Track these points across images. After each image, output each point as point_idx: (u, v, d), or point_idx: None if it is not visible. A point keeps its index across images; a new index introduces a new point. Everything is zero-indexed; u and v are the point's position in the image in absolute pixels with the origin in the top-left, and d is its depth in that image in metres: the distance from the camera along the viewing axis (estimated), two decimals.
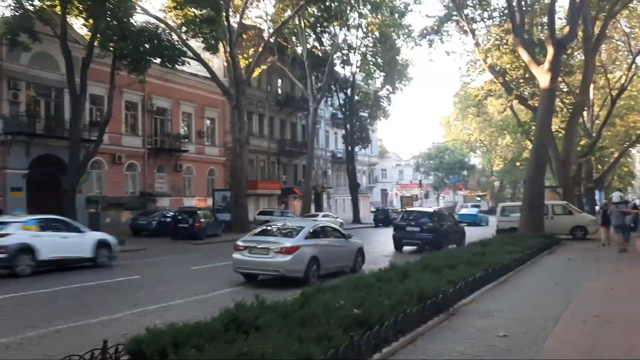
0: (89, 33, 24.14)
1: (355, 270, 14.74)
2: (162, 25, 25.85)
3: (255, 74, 39.71)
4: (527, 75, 30.60)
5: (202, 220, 27.62)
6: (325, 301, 7.30)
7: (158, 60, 24.52)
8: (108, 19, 22.94)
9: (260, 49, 33.33)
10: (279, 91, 48.77)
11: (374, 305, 7.12)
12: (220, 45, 32.95)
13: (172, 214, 28.93)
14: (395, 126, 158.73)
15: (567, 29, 24.04)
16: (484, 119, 68.75)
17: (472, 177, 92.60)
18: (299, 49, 42.79)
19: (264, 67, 39.33)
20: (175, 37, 27.03)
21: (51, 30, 23.25)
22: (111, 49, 22.95)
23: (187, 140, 37.31)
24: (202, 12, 25.21)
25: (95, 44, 23.84)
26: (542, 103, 23.87)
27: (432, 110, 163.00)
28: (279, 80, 48.61)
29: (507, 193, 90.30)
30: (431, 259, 12.60)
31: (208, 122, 40.39)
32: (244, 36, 34.50)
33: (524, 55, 24.75)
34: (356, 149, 53.83)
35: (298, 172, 49.46)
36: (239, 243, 13.03)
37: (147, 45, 22.60)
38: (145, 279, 13.96)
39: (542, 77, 23.49)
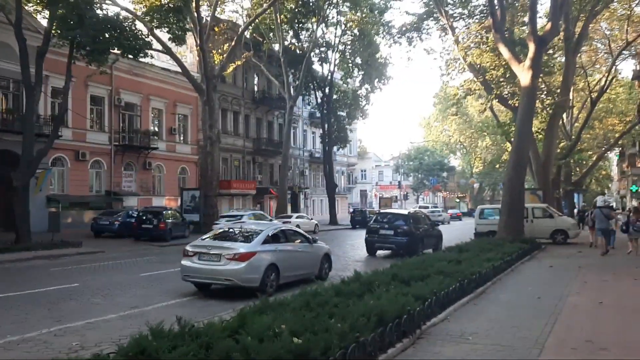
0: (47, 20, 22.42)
1: (321, 278, 13.37)
2: (126, 14, 24.18)
3: (230, 70, 38.38)
4: (507, 75, 29.68)
5: (167, 220, 26.06)
6: (263, 325, 5.92)
7: (119, 51, 22.86)
8: (65, 5, 21.24)
9: (233, 43, 31.72)
10: (255, 88, 47.46)
11: (322, 331, 5.77)
12: (192, 38, 31.45)
13: (136, 214, 27.29)
14: (375, 126, 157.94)
15: (548, 25, 22.97)
16: (464, 120, 68.57)
17: (452, 178, 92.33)
18: (276, 46, 41.42)
19: (238, 63, 37.90)
20: (142, 28, 25.51)
21: (6, 18, 21.62)
22: (68, 37, 21.23)
23: (157, 137, 35.79)
24: (168, 1, 23.61)
25: (53, 32, 22.21)
26: (523, 102, 22.80)
27: (412, 111, 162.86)
28: (256, 77, 47.32)
29: (486, 195, 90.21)
30: (401, 268, 11.29)
31: (180, 118, 38.88)
32: (216, 29, 32.92)
33: (504, 52, 23.65)
34: (334, 149, 52.70)
35: (274, 172, 48.11)
36: (188, 248, 11.58)
37: (106, 35, 20.93)
38: (83, 287, 12.41)
39: (523, 75, 22.43)
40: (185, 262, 11.42)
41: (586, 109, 41.82)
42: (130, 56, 24.67)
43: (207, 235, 12.36)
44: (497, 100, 31.99)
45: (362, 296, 8.29)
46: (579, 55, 34.97)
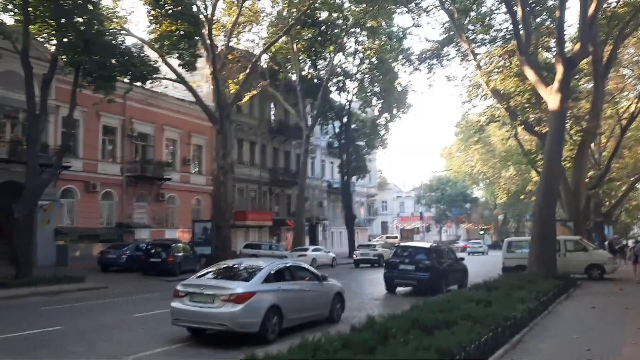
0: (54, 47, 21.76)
1: (333, 320, 11.98)
2: (135, 41, 23.49)
3: (246, 99, 37.63)
4: (533, 100, 28.23)
5: (176, 254, 24.90)
6: None
7: (127, 78, 22.04)
8: (72, 31, 20.56)
9: (247, 71, 31.05)
10: (272, 118, 46.59)
11: None
12: (207, 68, 30.76)
13: (145, 246, 26.12)
14: (395, 156, 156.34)
15: (577, 46, 21.51)
16: (486, 150, 66.76)
17: (475, 210, 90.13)
18: (293, 76, 40.72)
19: (254, 92, 37.11)
20: (152, 54, 24.80)
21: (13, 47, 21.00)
22: (74, 64, 20.47)
23: (170, 168, 34.84)
24: (180, 27, 22.81)
25: (60, 59, 21.53)
26: (552, 127, 21.27)
27: (433, 140, 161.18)
28: (272, 107, 46.48)
29: (511, 227, 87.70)
30: (422, 311, 9.77)
31: (195, 149, 38.02)
32: (230, 57, 32.18)
33: (530, 75, 22.27)
34: (353, 179, 51.48)
35: (291, 203, 46.83)
36: (179, 287, 10.19)
37: (113, 61, 20.09)
38: (66, 331, 11.05)
39: (551, 98, 20.95)
40: (175, 303, 10.03)
41: (615, 137, 40.05)
42: (138, 83, 24.04)
43: (202, 272, 10.97)
44: (522, 127, 30.53)
45: (374, 350, 6.82)
46: (605, 83, 33.45)
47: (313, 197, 51.43)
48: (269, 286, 10.21)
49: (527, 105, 29.10)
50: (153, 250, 25.03)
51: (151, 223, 33.30)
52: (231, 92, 32.70)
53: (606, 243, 42.34)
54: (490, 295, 12.42)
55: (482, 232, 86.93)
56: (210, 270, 11.02)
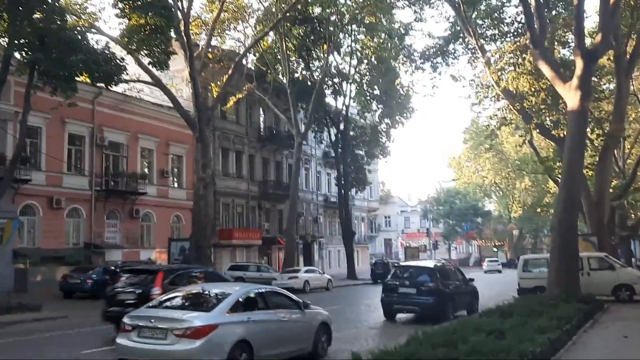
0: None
1: (317, 355, 10.95)
2: (100, 37, 22.68)
3: (230, 103, 37.08)
4: (549, 101, 27.42)
5: None
6: None
7: (88, 79, 21.14)
8: (28, 26, 19.73)
9: (230, 72, 30.36)
10: (262, 125, 45.93)
11: None
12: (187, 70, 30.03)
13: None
14: (398, 167, 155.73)
15: (598, 37, 20.63)
16: (499, 159, 66.06)
17: (488, 225, 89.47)
18: (284, 79, 39.88)
19: (240, 95, 36.45)
20: (127, 56, 24.00)
21: None
22: (25, 60, 19.64)
23: (146, 181, 33.97)
24: (151, 21, 21.95)
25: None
26: (571, 128, 20.33)
27: (439, 148, 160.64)
28: (262, 113, 45.89)
29: (527, 243, 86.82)
30: (422, 345, 8.74)
31: (174, 159, 37.23)
32: (210, 56, 31.41)
33: (546, 70, 21.41)
34: (352, 192, 50.69)
35: (283, 219, 45.77)
36: (125, 320, 9.13)
37: (72, 58, 19.18)
38: None
39: (570, 96, 20.06)
40: (121, 339, 8.99)
41: None
42: (109, 87, 23.21)
43: (155, 301, 9.91)
44: (537, 131, 29.71)
45: None
46: (630, 81, 32.61)
47: (307, 212, 50.63)
48: (236, 317, 9.19)
49: (542, 106, 28.26)
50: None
51: (123, 243, 32.38)
52: (215, 95, 31.99)
53: (633, 260, 41.30)
54: (504, 323, 11.42)
55: (495, 249, 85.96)
56: (166, 297, 9.98)
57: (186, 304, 9.57)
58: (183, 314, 8.95)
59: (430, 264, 19.38)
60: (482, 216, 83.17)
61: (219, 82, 33.00)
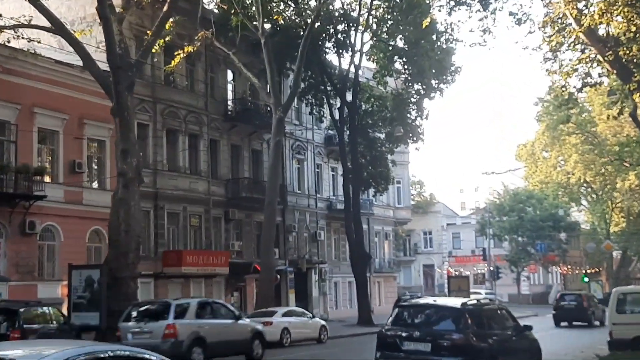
0: None
1: None
2: None
3: (176, 60, 35.15)
4: None
5: (28, 326, 22.63)
6: None
7: None
8: None
9: (166, 7, 29.13)
10: (230, 96, 45.35)
11: None
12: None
13: None
14: (441, 157, 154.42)
15: None
16: (589, 143, 64.41)
17: (576, 243, 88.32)
18: (259, 24, 38.74)
19: (189, 48, 34.61)
20: None
21: None
22: None
23: (46, 178, 32.74)
24: None
25: None
26: None
27: (503, 131, 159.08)
28: (231, 79, 45.21)
29: (635, 270, 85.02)
30: None
31: (92, 146, 36.04)
32: None
33: None
34: (367, 194, 50.85)
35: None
36: None
37: None
38: None
39: None
40: None
41: None
42: None
43: None
44: None
45: None
46: None
47: (301, 225, 49.79)
48: None
49: None
50: None
51: (9, 273, 30.92)
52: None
53: None
54: None
55: (586, 279, 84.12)
56: None
57: None
58: None
59: (457, 302, 17.37)
60: (566, 230, 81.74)
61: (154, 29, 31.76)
